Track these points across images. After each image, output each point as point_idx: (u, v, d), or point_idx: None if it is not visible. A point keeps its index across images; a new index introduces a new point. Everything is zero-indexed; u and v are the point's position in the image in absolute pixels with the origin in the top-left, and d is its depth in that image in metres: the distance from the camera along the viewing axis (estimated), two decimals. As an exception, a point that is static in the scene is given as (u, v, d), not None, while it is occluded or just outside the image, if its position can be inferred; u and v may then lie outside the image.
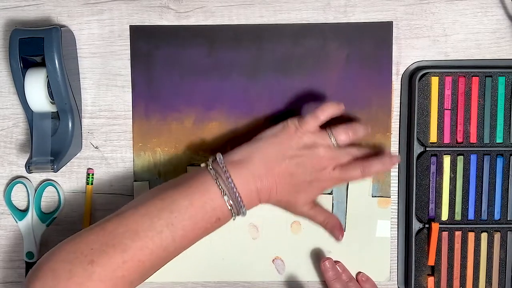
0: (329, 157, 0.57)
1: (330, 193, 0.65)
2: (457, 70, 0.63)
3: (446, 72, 0.63)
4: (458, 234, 0.64)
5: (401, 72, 0.64)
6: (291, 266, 0.66)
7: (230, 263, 0.66)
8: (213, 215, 0.53)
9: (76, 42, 0.64)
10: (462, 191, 0.64)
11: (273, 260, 0.66)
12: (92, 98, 0.65)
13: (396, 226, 0.66)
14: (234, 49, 0.64)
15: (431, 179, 0.64)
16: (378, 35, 0.64)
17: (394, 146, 0.65)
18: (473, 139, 0.63)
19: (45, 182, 0.65)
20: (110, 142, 0.65)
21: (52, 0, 0.64)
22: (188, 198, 0.53)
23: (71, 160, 0.63)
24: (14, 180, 0.65)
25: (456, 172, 0.64)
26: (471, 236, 0.64)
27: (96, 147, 0.65)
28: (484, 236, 0.64)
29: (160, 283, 0.65)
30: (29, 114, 0.60)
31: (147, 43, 0.64)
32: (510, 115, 0.63)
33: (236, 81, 0.64)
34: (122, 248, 0.49)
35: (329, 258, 0.64)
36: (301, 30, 0.64)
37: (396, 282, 0.66)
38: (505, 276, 0.64)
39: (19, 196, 0.66)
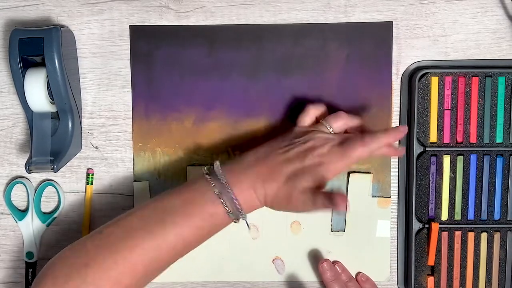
0: (325, 137, 0.56)
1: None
2: (457, 70, 0.63)
3: (446, 72, 0.63)
4: (458, 234, 0.64)
5: (401, 72, 0.64)
6: (291, 266, 0.66)
7: (230, 263, 0.66)
8: (210, 219, 0.53)
9: (76, 42, 0.64)
10: (462, 191, 0.64)
11: (273, 260, 0.66)
12: (92, 98, 0.65)
13: (396, 226, 0.66)
14: (234, 49, 0.64)
15: (431, 179, 0.64)
16: (378, 35, 0.64)
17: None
18: (473, 139, 0.63)
19: (45, 182, 0.65)
20: (110, 142, 0.65)
21: (52, 0, 0.64)
22: (182, 198, 0.53)
23: (71, 160, 0.63)
24: (14, 180, 0.65)
25: (456, 172, 0.64)
26: (471, 236, 0.64)
27: (96, 147, 0.65)
28: (484, 236, 0.64)
29: (160, 283, 0.66)
30: (29, 114, 0.60)
31: (147, 43, 0.64)
32: (510, 115, 0.63)
33: (236, 81, 0.64)
34: (114, 249, 0.50)
35: (326, 260, 0.64)
36: (301, 30, 0.64)
37: (396, 282, 0.66)
38: (505, 276, 0.64)
39: (19, 196, 0.66)
